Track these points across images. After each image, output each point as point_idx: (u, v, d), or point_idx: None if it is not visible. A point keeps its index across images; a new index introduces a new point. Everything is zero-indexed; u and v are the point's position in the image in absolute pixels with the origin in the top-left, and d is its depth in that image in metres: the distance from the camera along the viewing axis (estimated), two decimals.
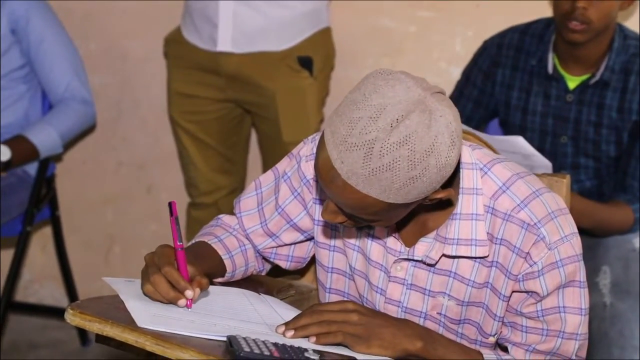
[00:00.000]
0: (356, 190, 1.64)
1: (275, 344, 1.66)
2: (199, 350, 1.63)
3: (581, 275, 1.84)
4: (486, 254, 1.83)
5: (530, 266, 1.80)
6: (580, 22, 2.69)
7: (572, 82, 2.83)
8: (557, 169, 2.86)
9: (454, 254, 1.83)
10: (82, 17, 3.66)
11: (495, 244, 1.83)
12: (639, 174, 2.78)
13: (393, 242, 1.88)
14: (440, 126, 1.63)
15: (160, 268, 1.76)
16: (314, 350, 1.68)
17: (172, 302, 1.76)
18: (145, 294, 1.78)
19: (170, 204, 1.81)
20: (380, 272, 1.91)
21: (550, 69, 2.82)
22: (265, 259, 2.08)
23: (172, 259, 1.79)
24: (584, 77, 2.82)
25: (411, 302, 1.90)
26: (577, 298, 1.84)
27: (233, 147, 3.37)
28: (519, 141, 2.62)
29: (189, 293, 1.75)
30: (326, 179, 1.67)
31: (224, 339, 1.67)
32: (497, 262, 1.83)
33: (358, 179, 1.63)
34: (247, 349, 1.61)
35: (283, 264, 2.07)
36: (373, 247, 1.91)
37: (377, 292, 1.92)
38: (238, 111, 3.30)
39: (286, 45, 3.17)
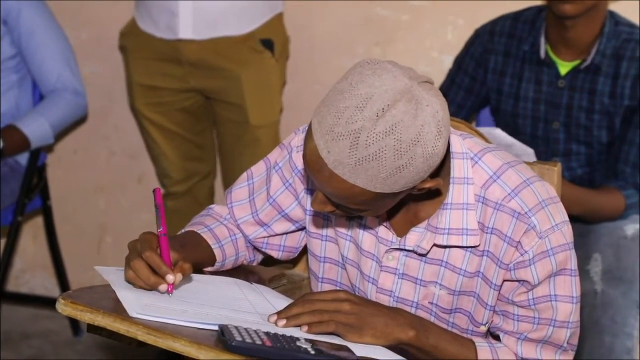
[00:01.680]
0: (343, 180, 1.64)
1: (267, 333, 1.67)
2: (190, 339, 1.63)
3: (572, 263, 1.84)
4: (477, 243, 1.83)
5: (521, 255, 1.81)
6: None
7: (564, 68, 2.83)
8: (549, 155, 2.86)
9: (445, 243, 1.83)
10: (73, 6, 3.65)
11: (486, 233, 1.83)
12: (631, 159, 2.78)
13: (385, 231, 1.88)
14: (427, 116, 1.63)
15: (142, 253, 1.76)
16: (306, 340, 1.68)
17: (153, 287, 1.74)
18: (127, 281, 1.77)
19: (154, 191, 1.82)
20: (372, 262, 1.91)
21: (542, 54, 2.82)
22: (256, 248, 2.07)
23: (155, 244, 1.78)
24: (575, 62, 2.82)
25: (403, 292, 1.90)
26: (568, 286, 1.84)
27: (201, 134, 3.35)
28: (496, 133, 2.61)
29: (169, 278, 1.73)
30: (313, 169, 1.67)
31: (216, 328, 1.67)
32: (488, 251, 1.84)
33: (344, 168, 1.63)
34: (239, 338, 1.61)
35: (275, 254, 2.06)
36: (365, 237, 1.91)
37: (369, 281, 1.92)
38: (202, 99, 3.29)
39: (247, 29, 3.16)
